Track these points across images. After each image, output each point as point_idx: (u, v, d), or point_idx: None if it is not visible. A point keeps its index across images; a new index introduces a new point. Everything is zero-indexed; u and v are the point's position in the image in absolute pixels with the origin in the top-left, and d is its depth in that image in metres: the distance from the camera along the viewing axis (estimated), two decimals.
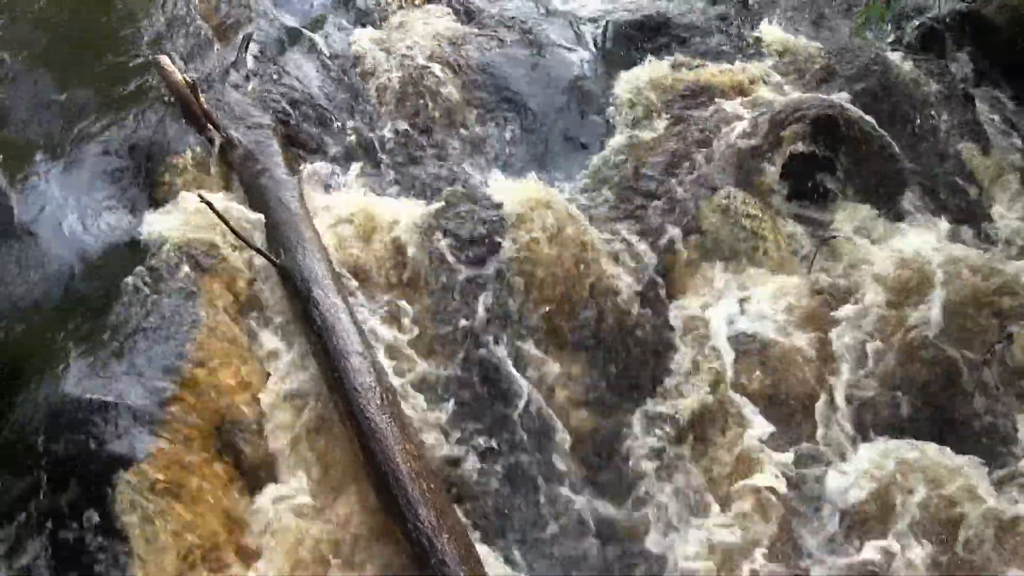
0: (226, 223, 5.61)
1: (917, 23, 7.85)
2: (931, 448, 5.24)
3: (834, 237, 6.35)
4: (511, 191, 6.34)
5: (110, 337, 5.23)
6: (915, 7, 8.03)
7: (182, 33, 7.78)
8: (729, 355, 5.72)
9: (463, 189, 6.49)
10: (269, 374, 5.35)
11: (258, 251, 5.66)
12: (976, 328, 5.71)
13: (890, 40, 7.80)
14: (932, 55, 7.62)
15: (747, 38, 7.76)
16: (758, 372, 5.65)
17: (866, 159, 6.78)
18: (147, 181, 6.50)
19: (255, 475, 5.04)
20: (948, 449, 5.24)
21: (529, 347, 5.71)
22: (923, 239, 6.33)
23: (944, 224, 6.56)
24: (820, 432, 5.43)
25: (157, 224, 5.93)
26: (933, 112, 7.24)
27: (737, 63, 7.51)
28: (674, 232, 6.30)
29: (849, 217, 6.60)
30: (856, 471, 5.20)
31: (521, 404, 5.48)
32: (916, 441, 5.32)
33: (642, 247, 6.27)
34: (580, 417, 5.61)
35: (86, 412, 4.81)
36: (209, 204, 5.61)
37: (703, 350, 5.78)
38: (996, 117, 7.37)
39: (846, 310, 5.88)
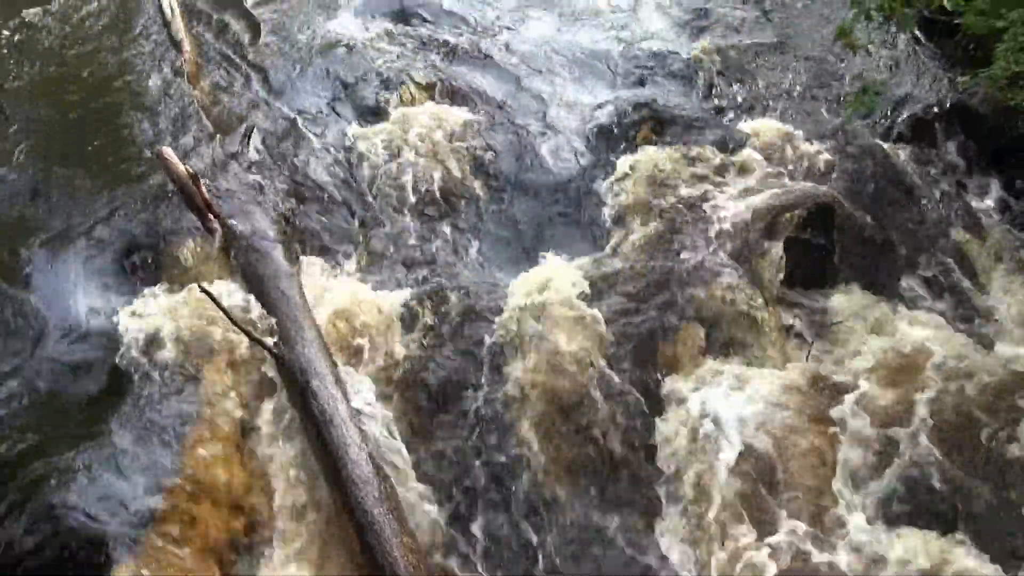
0: (226, 313, 5.64)
1: (907, 113, 7.99)
2: (932, 536, 5.19)
3: (832, 324, 6.37)
4: (511, 280, 6.39)
5: (104, 439, 5.24)
6: (904, 98, 8.18)
7: (185, 125, 7.95)
8: (729, 444, 5.68)
9: (462, 279, 6.54)
10: (269, 477, 5.33)
11: (257, 341, 5.67)
12: (977, 417, 5.68)
13: (881, 130, 7.93)
14: (923, 144, 7.73)
15: (740, 128, 7.88)
16: (758, 462, 5.60)
17: (862, 246, 6.83)
18: (148, 270, 6.58)
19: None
20: (952, 536, 5.18)
21: (525, 435, 5.69)
22: (921, 326, 6.34)
23: (941, 311, 6.58)
24: (822, 520, 5.37)
25: (157, 314, 5.97)
26: (927, 200, 7.32)
27: (731, 153, 7.61)
28: (673, 319, 6.31)
29: (847, 304, 6.61)
30: (857, 558, 5.15)
31: (518, 491, 5.45)
32: (918, 530, 5.26)
33: (641, 334, 6.28)
34: (574, 505, 5.53)
35: (72, 522, 4.81)
36: (209, 294, 5.65)
37: (701, 440, 5.74)
38: (988, 204, 7.45)
39: (845, 399, 5.86)
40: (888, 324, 6.43)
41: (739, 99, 8.34)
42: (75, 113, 8.21)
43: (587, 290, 6.53)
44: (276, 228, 6.75)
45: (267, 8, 9.72)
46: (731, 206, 6.99)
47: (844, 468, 5.59)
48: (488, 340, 6.07)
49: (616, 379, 5.96)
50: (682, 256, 6.70)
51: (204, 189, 6.77)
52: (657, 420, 5.86)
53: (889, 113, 8.02)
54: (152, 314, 5.97)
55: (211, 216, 6.70)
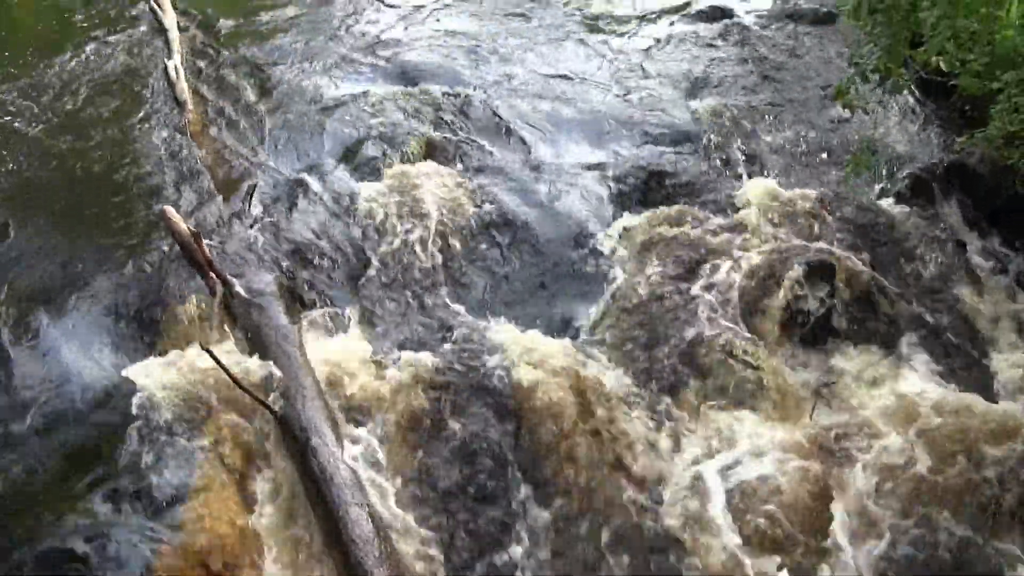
0: (226, 371, 5.62)
1: (906, 172, 8.06)
2: None
3: (834, 383, 6.36)
4: (512, 341, 6.40)
5: (105, 495, 5.21)
6: (902, 157, 8.26)
7: (188, 184, 7.99)
8: (729, 500, 5.64)
9: (462, 337, 6.54)
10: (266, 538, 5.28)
11: (258, 400, 5.65)
12: (980, 474, 5.65)
13: (880, 188, 7.99)
14: (922, 203, 7.80)
15: (740, 187, 7.93)
16: (761, 518, 5.55)
17: (863, 303, 6.87)
18: (150, 329, 6.57)
19: None
20: None
21: (526, 494, 5.64)
22: (923, 384, 6.35)
23: (942, 368, 6.58)
24: None
25: (158, 373, 5.96)
26: (927, 258, 7.36)
27: (731, 212, 7.66)
28: (677, 377, 6.30)
29: (849, 361, 6.63)
30: None
31: (519, 550, 5.40)
32: None
33: (641, 390, 6.27)
34: (574, 560, 5.47)
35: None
36: (210, 352, 5.64)
37: (701, 495, 5.70)
38: (988, 262, 7.49)
39: (846, 456, 5.85)
40: (889, 381, 6.44)
41: (739, 158, 8.40)
42: (79, 171, 8.25)
43: (587, 347, 6.53)
44: (277, 286, 6.75)
45: (270, 69, 9.84)
46: (731, 264, 7.02)
47: (844, 525, 5.57)
48: (488, 398, 6.04)
49: (617, 435, 5.92)
50: (682, 313, 6.71)
51: (206, 247, 6.79)
52: (658, 474, 5.82)
53: (888, 172, 8.09)
54: (153, 373, 5.94)
55: (212, 274, 6.70)
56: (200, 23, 10.84)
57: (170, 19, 10.41)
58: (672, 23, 10.85)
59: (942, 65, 7.18)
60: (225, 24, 10.86)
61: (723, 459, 5.87)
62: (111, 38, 10.34)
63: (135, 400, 5.75)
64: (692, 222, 7.53)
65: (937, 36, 6.22)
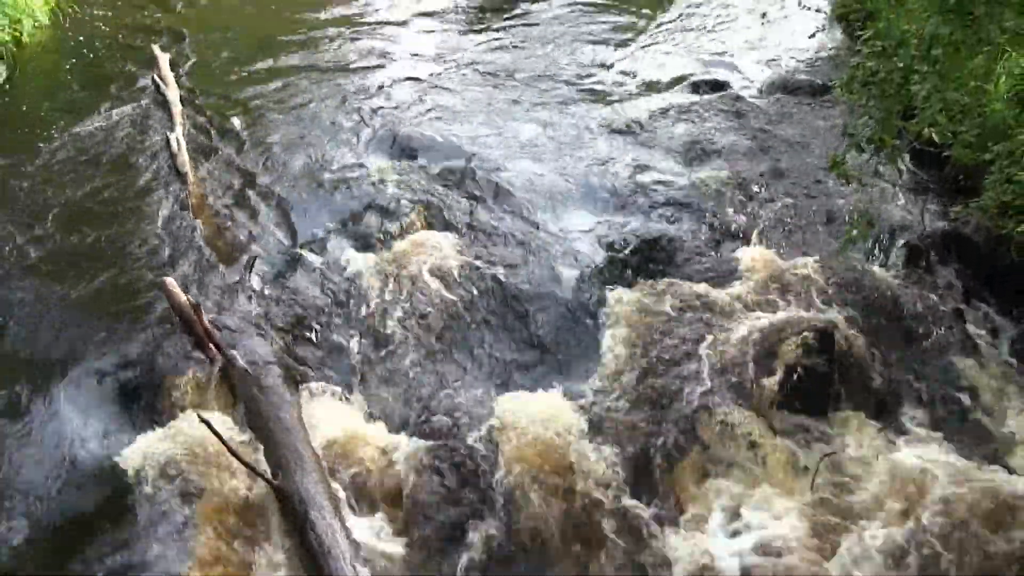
0: (224, 444, 5.61)
1: (902, 241, 8.13)
2: None
3: (834, 453, 6.32)
4: (508, 412, 6.39)
5: (103, 570, 5.17)
6: (898, 226, 8.32)
7: (188, 255, 8.04)
8: (730, 572, 5.59)
9: (460, 410, 6.53)
10: None
11: (256, 472, 5.63)
12: (982, 545, 5.59)
13: (877, 257, 8.05)
14: (919, 271, 7.85)
15: (738, 257, 7.98)
16: None
17: (862, 372, 6.86)
18: (148, 399, 6.57)
19: None
20: None
21: (525, 564, 5.60)
22: (923, 454, 6.29)
23: (943, 438, 6.54)
24: None
25: (157, 444, 5.95)
26: (925, 326, 7.37)
27: (729, 281, 7.69)
28: (676, 449, 6.27)
29: (849, 431, 6.60)
30: None
31: None
32: None
33: (641, 462, 6.23)
34: None
35: None
36: (208, 424, 5.63)
37: (702, 568, 5.64)
38: (985, 330, 7.50)
39: (848, 527, 5.79)
40: (890, 450, 6.39)
41: (736, 227, 8.45)
42: (79, 242, 8.30)
43: (585, 419, 6.52)
44: (276, 357, 6.76)
45: (271, 141, 9.95)
46: (730, 334, 7.03)
47: None
48: (486, 471, 6.01)
49: (616, 508, 5.88)
50: (680, 384, 6.71)
51: (205, 319, 6.81)
52: (658, 547, 5.75)
53: (884, 241, 8.15)
54: (151, 445, 5.94)
55: (211, 345, 6.72)
56: (203, 97, 10.98)
57: (173, 93, 10.57)
58: (670, 95, 11.00)
59: (935, 136, 7.28)
60: (228, 98, 11.00)
61: (724, 534, 5.81)
62: (116, 111, 10.49)
63: (133, 472, 5.73)
64: (689, 290, 7.55)
65: (929, 109, 6.32)
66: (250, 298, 7.50)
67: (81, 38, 12.66)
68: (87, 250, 8.24)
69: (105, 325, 7.23)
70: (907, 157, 8.43)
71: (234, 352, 6.67)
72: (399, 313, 7.44)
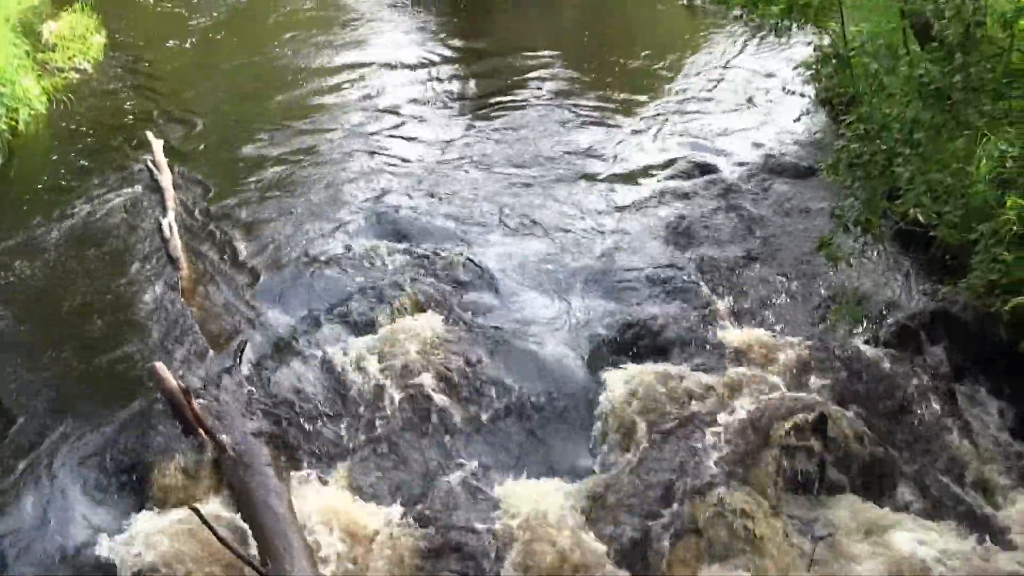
0: (214, 532, 5.54)
1: (892, 321, 8.16)
2: None
3: (831, 535, 6.27)
4: (502, 496, 6.34)
5: None
6: (888, 306, 8.37)
7: (179, 340, 8.05)
8: None
9: (453, 495, 6.47)
10: None
11: (245, 561, 5.56)
12: None
13: (867, 338, 8.08)
14: (910, 351, 7.85)
15: (730, 339, 8.00)
16: None
17: (857, 454, 6.82)
18: (137, 485, 6.53)
19: None
20: None
21: None
22: (919, 535, 6.25)
23: (940, 519, 6.50)
24: None
25: (145, 531, 5.87)
26: (917, 406, 7.37)
27: (722, 364, 7.70)
28: (671, 535, 6.21)
29: (845, 513, 6.55)
30: None
31: None
32: None
33: (637, 547, 6.17)
34: None
35: None
36: (197, 512, 5.58)
37: None
38: (978, 411, 7.49)
39: None
40: (886, 532, 6.34)
41: (726, 309, 8.49)
42: (71, 326, 8.33)
43: (580, 504, 6.46)
44: (266, 443, 6.72)
45: (263, 225, 10.03)
46: (724, 417, 7.02)
47: None
48: (480, 559, 5.95)
49: None
50: (676, 467, 6.67)
51: (195, 404, 6.79)
52: None
53: (874, 321, 8.19)
54: (140, 533, 5.86)
55: (201, 431, 6.68)
56: (195, 181, 11.09)
57: (166, 178, 10.66)
58: (659, 179, 11.12)
59: (920, 217, 7.39)
60: (221, 182, 11.10)
61: None
62: (109, 196, 10.57)
63: (120, 561, 5.65)
64: (681, 372, 7.56)
65: (913, 190, 6.43)
66: (240, 383, 7.48)
67: (76, 125, 12.83)
68: (78, 334, 8.25)
69: (94, 409, 7.21)
70: (893, 237, 8.49)
71: (224, 437, 6.64)
72: (390, 398, 7.41)
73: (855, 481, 6.71)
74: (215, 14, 17.54)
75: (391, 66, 15.17)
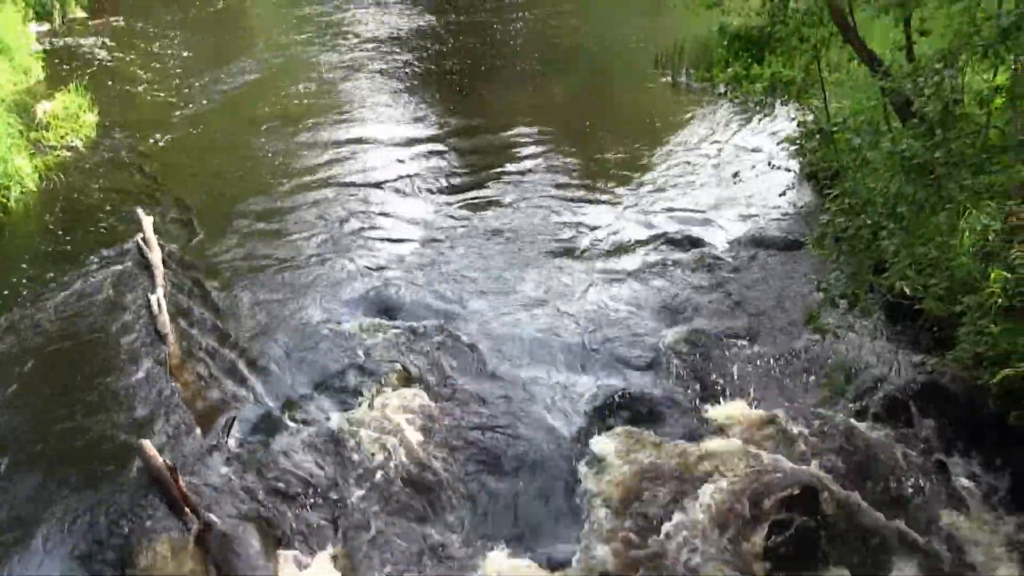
0: None
1: (881, 394, 8.16)
2: None
3: None
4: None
5: None
6: (876, 378, 8.38)
7: (166, 416, 7.99)
8: None
9: (443, 574, 6.37)
10: None
11: None
12: None
13: (856, 410, 8.06)
14: (899, 424, 7.85)
15: (718, 413, 7.99)
16: None
17: (849, 528, 6.78)
18: (122, 563, 6.42)
19: None
20: None
21: None
22: None
23: None
24: None
25: None
26: (909, 478, 7.34)
27: (710, 437, 7.67)
28: None
29: None
30: None
31: None
32: None
33: None
34: None
35: None
36: None
37: None
38: (971, 482, 7.46)
39: None
40: None
41: (715, 381, 8.49)
42: (59, 402, 8.26)
43: None
44: (253, 521, 6.64)
45: (252, 301, 10.02)
46: (712, 491, 6.97)
47: None
48: None
49: None
50: (666, 543, 6.60)
51: (181, 482, 6.72)
52: None
53: (863, 394, 8.19)
54: None
55: (188, 509, 6.60)
56: (186, 257, 11.12)
57: (156, 255, 10.70)
58: (647, 253, 11.20)
59: (906, 290, 7.44)
60: (211, 258, 11.13)
61: None
62: (99, 272, 10.58)
63: None
64: (671, 447, 7.53)
65: (898, 263, 6.48)
66: (228, 460, 7.42)
67: (67, 202, 12.88)
68: (65, 410, 8.19)
69: (80, 486, 7.14)
70: (880, 310, 8.54)
71: (211, 516, 6.56)
72: (378, 474, 7.35)
73: (848, 556, 6.65)
74: (205, 102, 17.77)
75: (384, 144, 15.40)
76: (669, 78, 19.30)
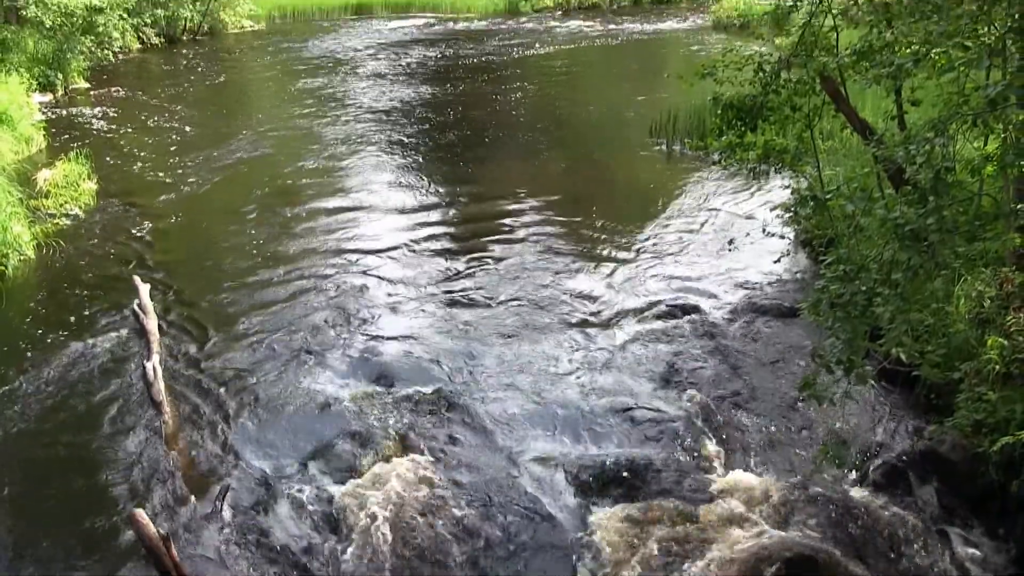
0: None
1: (879, 461, 8.10)
2: None
3: None
4: None
5: None
6: (874, 446, 8.33)
7: (160, 485, 7.94)
8: None
9: None
10: None
11: None
12: None
13: (855, 478, 8.01)
14: (899, 492, 7.78)
15: (716, 480, 7.93)
16: None
17: None
18: None
19: None
20: None
21: None
22: None
23: None
24: None
25: None
26: (910, 548, 7.25)
27: (709, 505, 7.60)
28: None
29: None
30: None
31: None
32: None
33: None
34: None
35: None
36: None
37: None
38: (973, 552, 7.37)
39: None
40: None
41: (712, 450, 8.44)
42: (51, 470, 8.23)
43: None
44: None
45: (247, 368, 10.01)
46: (713, 561, 6.88)
47: None
48: None
49: None
50: None
51: (175, 552, 6.63)
52: None
53: (861, 461, 8.14)
54: None
55: None
56: (181, 326, 11.12)
57: (152, 322, 10.72)
58: (644, 320, 11.22)
59: (902, 356, 7.44)
60: (206, 326, 11.13)
61: None
62: (95, 340, 10.60)
63: None
64: (669, 515, 7.46)
65: (894, 330, 6.47)
66: (222, 530, 7.34)
67: (64, 270, 12.95)
68: (58, 478, 8.16)
69: (72, 555, 7.11)
70: (877, 377, 8.52)
71: None
72: (374, 545, 7.26)
73: None
74: (203, 172, 17.95)
75: (382, 214, 15.55)
76: (664, 147, 19.55)
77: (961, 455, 7.74)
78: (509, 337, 10.80)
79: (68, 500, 7.84)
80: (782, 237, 12.62)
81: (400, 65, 31.22)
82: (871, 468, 8.03)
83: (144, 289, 11.51)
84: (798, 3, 9.37)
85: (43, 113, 22.21)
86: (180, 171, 18.03)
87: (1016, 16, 6.53)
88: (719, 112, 9.44)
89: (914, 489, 7.80)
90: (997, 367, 7.13)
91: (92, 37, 26.92)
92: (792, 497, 7.61)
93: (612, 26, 42.70)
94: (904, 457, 8.01)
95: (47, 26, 24.52)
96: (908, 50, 7.17)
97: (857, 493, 7.75)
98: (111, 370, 9.96)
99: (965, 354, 7.54)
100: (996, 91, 5.85)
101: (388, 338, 10.76)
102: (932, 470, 7.87)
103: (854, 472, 8.05)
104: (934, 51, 6.71)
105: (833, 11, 9.07)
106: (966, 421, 7.31)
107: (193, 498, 7.72)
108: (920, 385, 8.51)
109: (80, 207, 15.46)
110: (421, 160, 19.27)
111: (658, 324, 11.07)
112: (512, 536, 7.44)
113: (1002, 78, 6.39)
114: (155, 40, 35.51)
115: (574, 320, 11.27)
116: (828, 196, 7.62)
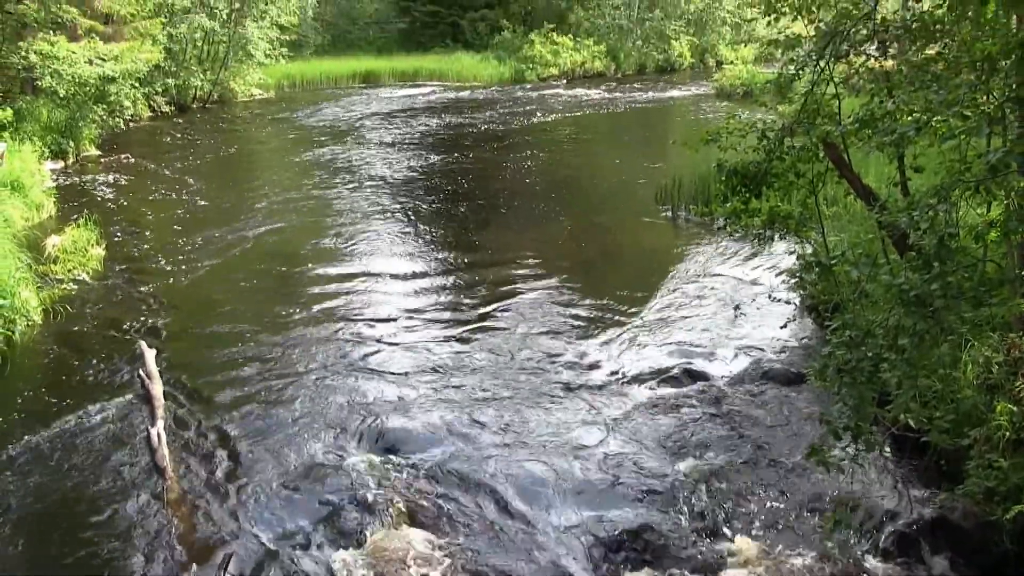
0: None
1: (890, 529, 7.98)
2: None
3: None
4: None
5: None
6: (885, 513, 8.22)
7: (161, 553, 7.87)
8: None
9: None
10: None
11: None
12: None
13: (866, 546, 7.89)
14: (911, 560, 7.66)
15: (724, 548, 7.83)
16: None
17: None
18: None
19: None
20: None
21: None
22: None
23: None
24: None
25: None
26: None
27: (714, 574, 7.49)
28: None
29: None
30: None
31: None
32: None
33: None
34: None
35: None
36: None
37: None
38: None
39: None
40: None
41: (720, 518, 8.33)
42: (53, 535, 8.17)
43: None
44: None
45: (252, 435, 9.96)
46: None
47: None
48: None
49: None
50: None
51: None
52: None
53: (871, 529, 8.02)
54: None
55: None
56: (186, 391, 11.11)
57: (157, 388, 10.70)
58: (652, 387, 11.16)
59: (911, 422, 7.38)
60: (211, 391, 11.12)
61: None
62: (99, 405, 10.58)
63: None
64: None
65: (902, 396, 6.46)
66: None
67: (71, 335, 12.98)
68: (59, 544, 8.09)
69: None
70: (886, 443, 8.44)
71: None
72: None
73: None
74: (211, 240, 18.11)
75: (390, 281, 15.59)
76: (669, 213, 19.69)
77: (973, 523, 7.64)
78: (514, 404, 10.74)
79: (70, 567, 7.76)
80: (788, 302, 12.64)
81: (408, 133, 31.62)
82: (881, 536, 7.91)
83: (150, 355, 11.52)
84: (800, 72, 9.50)
85: (54, 180, 22.48)
86: (188, 238, 18.17)
87: (1014, 85, 6.62)
88: (723, 178, 9.52)
89: (925, 558, 7.68)
90: (1007, 433, 7.07)
91: (104, 106, 27.29)
92: (802, 566, 7.50)
93: (617, 94, 43.35)
94: (915, 525, 7.90)
95: (61, 95, 24.90)
96: (909, 118, 7.25)
97: (869, 561, 7.63)
98: (115, 436, 9.92)
99: (974, 420, 7.48)
100: (997, 158, 5.91)
101: (394, 405, 10.71)
102: (944, 538, 7.76)
103: (864, 540, 7.94)
104: (935, 119, 6.78)
105: (835, 80, 9.20)
106: (977, 489, 7.23)
107: (195, 566, 7.63)
108: (930, 451, 8.43)
109: (88, 273, 15.55)
110: (430, 228, 19.40)
111: (665, 390, 11.03)
112: None
113: (1002, 145, 6.45)
114: (166, 108, 36.06)
115: (581, 387, 11.23)
116: (833, 262, 7.66)
